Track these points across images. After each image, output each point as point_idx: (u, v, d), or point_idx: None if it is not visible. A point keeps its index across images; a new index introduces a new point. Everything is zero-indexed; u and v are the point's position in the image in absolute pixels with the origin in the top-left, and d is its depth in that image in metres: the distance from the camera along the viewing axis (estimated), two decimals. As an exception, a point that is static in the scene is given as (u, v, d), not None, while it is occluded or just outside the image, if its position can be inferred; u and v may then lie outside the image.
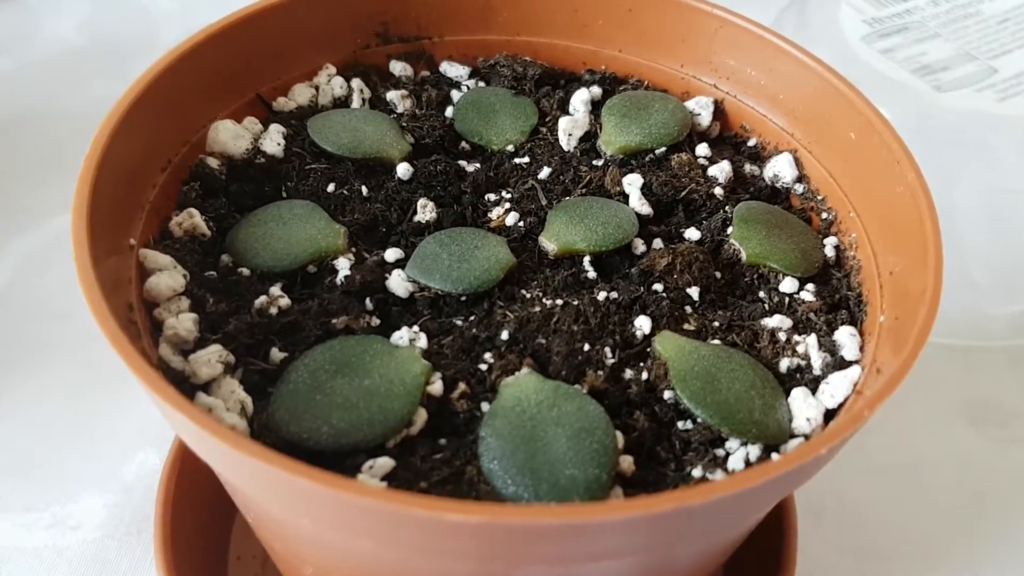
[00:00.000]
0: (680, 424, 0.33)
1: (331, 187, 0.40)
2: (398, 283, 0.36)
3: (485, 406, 0.33)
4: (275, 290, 0.36)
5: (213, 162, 0.40)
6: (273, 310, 0.35)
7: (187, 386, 0.33)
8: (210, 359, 0.33)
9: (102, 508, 0.53)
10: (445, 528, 0.26)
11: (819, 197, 0.41)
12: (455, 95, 0.47)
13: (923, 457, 0.59)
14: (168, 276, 0.35)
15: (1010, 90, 0.64)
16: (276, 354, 0.34)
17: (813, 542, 0.55)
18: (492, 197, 0.41)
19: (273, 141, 0.41)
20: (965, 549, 0.55)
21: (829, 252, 0.40)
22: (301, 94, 0.44)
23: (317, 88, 0.45)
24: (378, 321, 0.36)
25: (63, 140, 0.70)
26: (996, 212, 0.66)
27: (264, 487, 0.28)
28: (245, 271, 0.37)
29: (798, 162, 0.42)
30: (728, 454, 0.33)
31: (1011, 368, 0.66)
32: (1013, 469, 0.59)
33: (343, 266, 0.37)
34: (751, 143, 0.45)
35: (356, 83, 0.45)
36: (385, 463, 0.31)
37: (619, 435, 0.32)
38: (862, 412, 0.28)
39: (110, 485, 0.54)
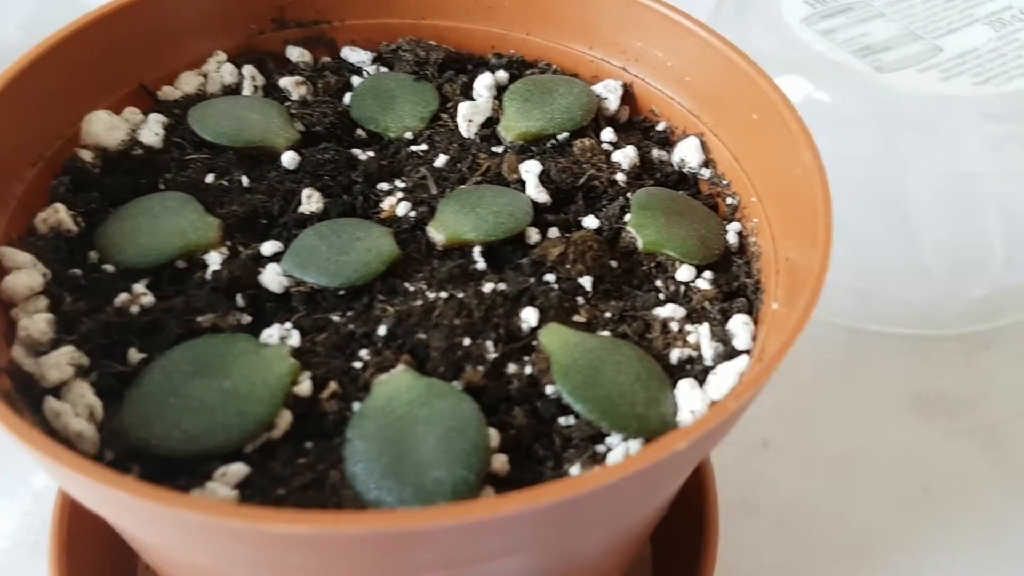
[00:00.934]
0: (562, 420, 0.32)
1: (210, 178, 0.38)
2: (272, 277, 0.34)
3: (357, 406, 0.31)
4: (139, 287, 0.34)
5: (87, 155, 0.38)
6: (134, 308, 0.33)
7: (38, 390, 0.31)
8: (59, 361, 0.31)
9: (11, 517, 0.51)
10: (275, 541, 0.24)
11: (724, 182, 0.40)
12: (356, 81, 0.45)
13: (868, 450, 0.58)
14: (26, 275, 0.33)
15: (954, 69, 0.62)
16: (134, 355, 0.32)
17: (748, 538, 0.53)
18: (385, 187, 0.39)
19: (151, 131, 0.39)
20: (906, 544, 0.53)
21: (732, 239, 0.38)
22: (188, 82, 0.42)
23: (206, 76, 0.43)
24: (249, 319, 0.34)
25: None
26: (948, 196, 0.64)
27: (82, 494, 0.26)
28: (110, 268, 0.35)
29: (705, 146, 0.41)
30: (609, 450, 0.31)
31: (964, 357, 0.65)
32: (961, 461, 0.58)
33: (214, 261, 0.35)
34: (660, 127, 0.43)
35: (248, 70, 0.43)
36: (239, 470, 0.29)
37: (494, 433, 0.31)
38: (726, 405, 0.26)
39: (19, 492, 0.52)
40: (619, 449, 0.30)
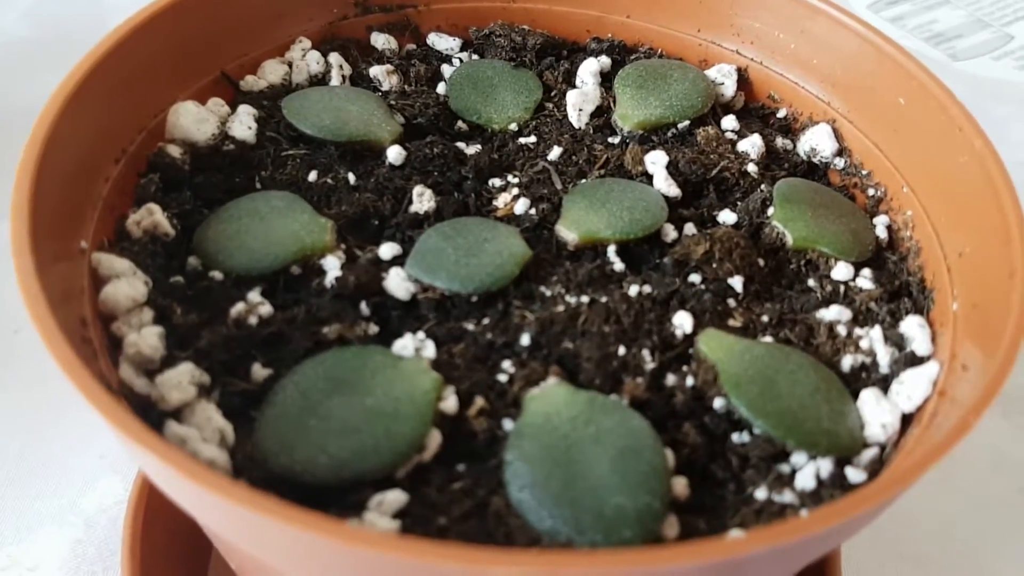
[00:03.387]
0: (735, 437, 0.29)
1: (313, 175, 0.35)
2: (397, 283, 0.31)
3: (508, 424, 0.28)
4: (254, 296, 0.31)
5: (174, 150, 0.35)
6: (253, 319, 0.30)
7: (155, 413, 0.27)
8: (181, 381, 0.27)
9: (63, 544, 0.47)
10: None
11: (864, 172, 0.37)
12: (446, 70, 0.42)
13: (954, 454, 0.55)
14: (127, 284, 0.30)
15: (1030, 57, 0.60)
16: (259, 371, 0.29)
17: (849, 548, 0.50)
18: (497, 182, 0.36)
19: (243, 124, 0.36)
20: (1014, 549, 0.50)
21: (880, 233, 0.35)
22: (272, 71, 0.39)
23: (290, 64, 0.40)
24: (376, 328, 0.31)
25: (9, 139, 0.64)
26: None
27: (252, 537, 0.23)
28: (218, 275, 0.31)
29: (837, 133, 0.38)
30: (794, 470, 0.28)
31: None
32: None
33: (332, 266, 0.32)
34: (781, 114, 0.40)
35: (334, 58, 0.40)
36: (396, 498, 0.26)
37: (669, 453, 0.28)
38: (968, 420, 0.23)
39: (70, 518, 0.48)
40: (807, 469, 0.28)
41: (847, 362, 0.31)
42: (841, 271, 0.33)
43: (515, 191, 0.36)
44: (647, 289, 0.32)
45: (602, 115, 0.39)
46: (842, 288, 0.33)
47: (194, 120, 0.35)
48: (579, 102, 0.39)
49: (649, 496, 0.26)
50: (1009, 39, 0.62)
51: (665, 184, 0.35)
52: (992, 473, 0.54)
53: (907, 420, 0.29)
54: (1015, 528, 0.51)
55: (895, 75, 0.35)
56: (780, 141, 0.39)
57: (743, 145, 0.37)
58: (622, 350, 0.30)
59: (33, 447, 0.50)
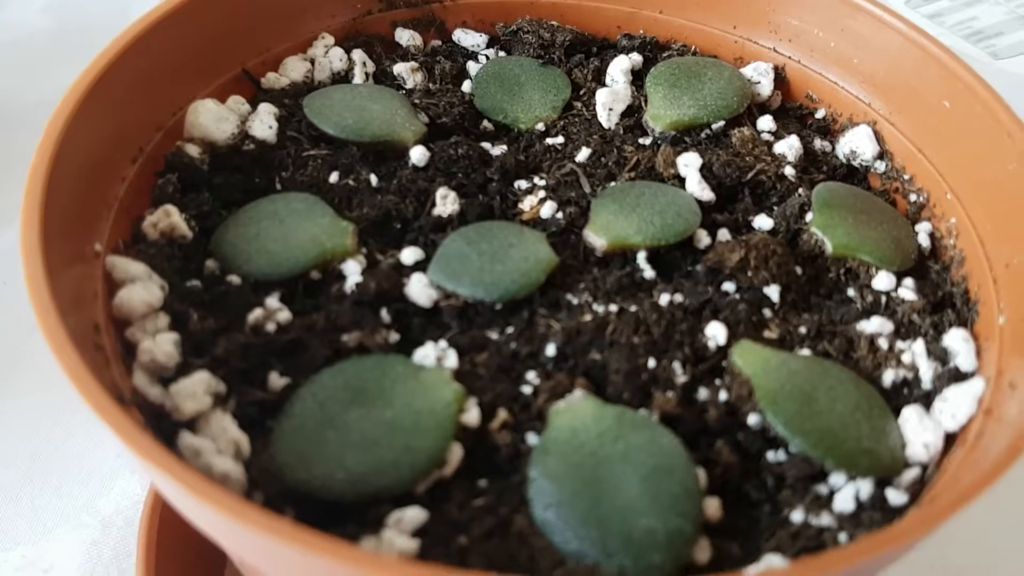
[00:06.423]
0: (771, 455, 0.27)
1: (334, 176, 0.34)
2: (419, 290, 0.30)
3: (532, 438, 0.27)
4: (272, 301, 0.30)
5: (193, 150, 0.34)
6: (271, 326, 0.29)
7: (168, 423, 0.27)
8: (196, 390, 0.27)
9: (78, 546, 0.47)
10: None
11: (905, 176, 0.35)
12: (472, 67, 0.40)
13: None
14: (142, 288, 0.29)
15: (1068, 56, 0.58)
16: (276, 380, 0.28)
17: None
18: (523, 184, 0.35)
19: (264, 123, 0.35)
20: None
21: (923, 240, 0.34)
22: (294, 68, 0.38)
23: (313, 61, 0.38)
24: (397, 336, 0.30)
25: (31, 133, 0.64)
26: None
27: (266, 558, 0.22)
28: (235, 279, 0.30)
29: (878, 136, 0.36)
30: (832, 491, 0.27)
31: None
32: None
33: (352, 270, 0.31)
34: (819, 115, 0.39)
35: (358, 55, 0.39)
36: (415, 515, 0.25)
37: (700, 472, 0.26)
38: (1019, 446, 0.22)
39: (86, 519, 0.48)
40: (846, 491, 0.26)
41: (888, 377, 0.29)
42: (883, 281, 0.32)
43: (542, 194, 0.34)
44: (679, 298, 0.31)
45: (633, 115, 0.38)
46: (883, 299, 0.31)
47: (213, 119, 0.34)
48: (609, 101, 0.37)
49: (680, 519, 0.25)
50: (1051, 37, 0.61)
51: (698, 187, 0.34)
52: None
53: (950, 439, 0.28)
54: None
55: (940, 77, 0.34)
56: (818, 143, 0.37)
57: (780, 147, 0.36)
58: (652, 362, 0.29)
59: (49, 446, 0.50)
